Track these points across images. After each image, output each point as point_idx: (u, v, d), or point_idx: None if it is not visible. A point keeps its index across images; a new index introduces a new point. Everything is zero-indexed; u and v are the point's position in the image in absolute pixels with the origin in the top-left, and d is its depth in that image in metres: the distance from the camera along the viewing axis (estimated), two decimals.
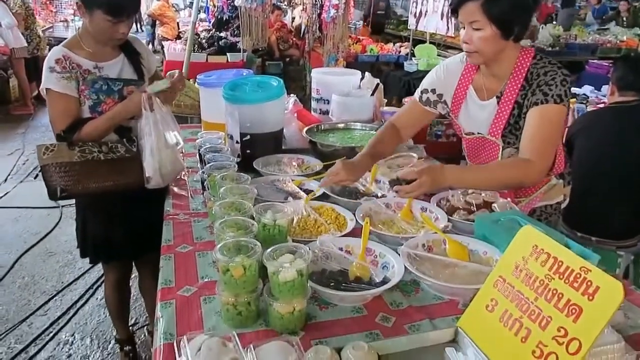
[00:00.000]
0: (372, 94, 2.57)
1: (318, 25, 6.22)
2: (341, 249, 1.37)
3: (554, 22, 8.70)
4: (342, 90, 2.57)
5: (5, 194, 4.49)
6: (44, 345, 2.63)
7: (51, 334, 2.72)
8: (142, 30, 12.57)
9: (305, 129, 2.29)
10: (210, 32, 7.03)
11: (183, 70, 4.94)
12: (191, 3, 8.80)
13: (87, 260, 2.20)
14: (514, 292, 1.00)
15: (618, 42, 7.30)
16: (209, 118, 2.44)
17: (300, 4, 8.16)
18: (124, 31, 1.87)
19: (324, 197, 1.74)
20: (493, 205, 1.61)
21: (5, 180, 4.81)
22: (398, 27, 9.49)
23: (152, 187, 1.90)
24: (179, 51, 6.28)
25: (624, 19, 9.06)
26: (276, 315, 1.11)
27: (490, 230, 1.41)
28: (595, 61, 6.18)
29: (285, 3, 9.36)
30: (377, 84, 2.64)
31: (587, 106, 3.94)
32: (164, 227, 1.65)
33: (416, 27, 6.28)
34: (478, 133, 1.80)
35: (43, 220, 3.99)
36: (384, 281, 1.25)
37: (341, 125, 2.41)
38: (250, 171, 1.87)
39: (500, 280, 1.03)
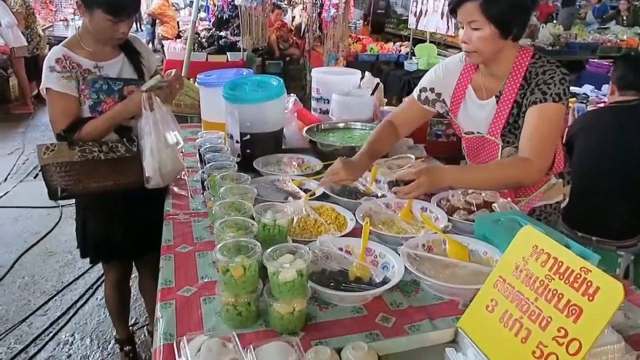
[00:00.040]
0: (372, 94, 2.57)
1: (318, 25, 6.21)
2: (341, 249, 1.37)
3: (555, 22, 8.69)
4: (342, 89, 2.57)
5: (5, 193, 4.49)
6: (44, 346, 2.63)
7: (51, 334, 2.72)
8: (142, 30, 12.57)
9: (305, 128, 2.29)
10: (210, 31, 7.03)
11: (183, 70, 4.94)
12: (191, 2, 8.80)
13: (87, 260, 2.20)
14: (514, 292, 1.00)
15: (618, 41, 7.30)
16: (209, 118, 2.44)
17: (300, 3, 8.15)
18: (124, 30, 1.87)
19: (324, 197, 1.73)
20: (493, 205, 1.61)
21: (5, 179, 4.81)
22: (398, 26, 9.48)
23: (152, 186, 1.90)
24: (179, 50, 6.27)
25: (624, 18, 9.06)
26: (276, 315, 1.11)
27: (490, 230, 1.41)
28: (595, 60, 6.17)
29: (286, 2, 9.34)
30: (377, 84, 2.64)
31: (587, 105, 3.93)
32: (164, 227, 1.65)
33: (416, 27, 6.27)
34: (477, 132, 1.80)
35: (43, 220, 3.99)
36: (384, 281, 1.25)
37: (341, 125, 2.41)
38: (250, 171, 1.87)
39: (501, 280, 1.03)
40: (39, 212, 4.11)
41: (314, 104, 2.75)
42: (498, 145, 1.75)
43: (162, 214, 1.76)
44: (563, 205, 1.95)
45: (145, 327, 2.75)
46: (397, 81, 5.92)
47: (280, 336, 1.05)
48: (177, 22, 9.69)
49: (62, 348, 2.62)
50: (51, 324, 2.79)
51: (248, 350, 0.93)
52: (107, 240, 2.08)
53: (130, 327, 2.59)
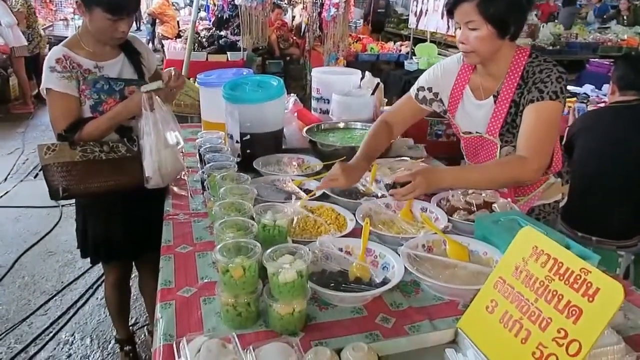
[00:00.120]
0: (373, 94, 2.57)
1: (318, 24, 6.22)
2: (341, 250, 1.37)
3: (556, 21, 8.68)
4: (343, 89, 2.57)
5: (5, 193, 4.49)
6: (44, 345, 2.63)
7: (51, 334, 2.72)
8: (141, 29, 12.56)
9: (306, 128, 2.29)
10: (211, 31, 7.03)
11: (183, 69, 4.94)
12: (191, 1, 8.79)
13: (87, 260, 2.20)
14: (514, 293, 0.99)
15: (619, 40, 7.29)
16: (209, 118, 2.44)
17: (300, 3, 8.16)
18: (124, 30, 1.87)
19: (323, 197, 1.73)
20: (493, 205, 1.61)
21: (5, 179, 4.82)
22: (398, 26, 9.48)
23: (151, 187, 1.90)
24: (179, 50, 6.27)
25: (625, 17, 9.05)
26: (276, 316, 1.11)
27: (490, 231, 1.41)
28: (596, 60, 6.17)
29: (286, 1, 9.34)
30: (378, 84, 2.64)
31: (587, 105, 3.93)
32: (163, 228, 1.64)
33: (417, 26, 6.27)
34: (476, 132, 1.80)
35: (43, 220, 3.99)
36: (384, 282, 1.25)
37: (341, 125, 2.41)
38: (250, 171, 1.87)
39: (500, 281, 1.03)
40: (39, 212, 4.11)
41: (314, 103, 2.75)
42: (496, 145, 1.75)
43: (162, 213, 1.76)
44: (562, 204, 1.95)
45: (145, 327, 2.75)
46: (397, 81, 5.91)
47: (280, 337, 1.05)
48: (177, 22, 9.69)
49: (62, 348, 2.63)
50: (51, 324, 2.79)
51: (248, 351, 0.93)
52: (107, 240, 2.08)
53: (131, 327, 2.59)
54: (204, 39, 6.64)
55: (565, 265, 0.93)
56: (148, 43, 9.73)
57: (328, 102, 2.63)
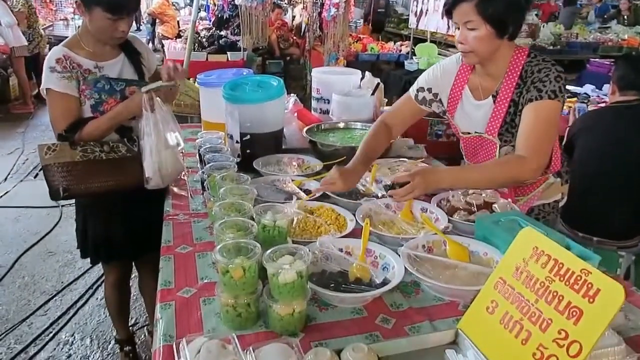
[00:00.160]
0: (373, 94, 2.57)
1: (318, 24, 6.22)
2: (341, 250, 1.37)
3: (556, 21, 8.68)
4: (343, 89, 2.57)
5: (5, 193, 4.49)
6: (44, 346, 2.63)
7: (51, 334, 2.72)
8: (141, 29, 12.56)
9: (306, 128, 2.29)
10: (211, 31, 7.02)
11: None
12: (191, 1, 8.79)
13: (87, 260, 2.19)
14: (514, 294, 0.99)
15: (619, 40, 7.28)
16: (209, 118, 2.44)
17: (300, 3, 8.16)
18: (124, 29, 1.86)
19: (324, 198, 1.73)
20: (494, 205, 1.61)
21: (5, 179, 4.82)
22: (399, 26, 9.48)
23: (151, 187, 1.90)
24: (179, 50, 6.27)
25: (625, 17, 9.04)
26: (276, 316, 1.10)
27: (490, 231, 1.41)
28: (596, 60, 6.16)
29: (286, 1, 9.34)
30: (378, 84, 2.63)
31: (588, 105, 3.93)
32: (163, 228, 1.64)
33: (417, 26, 6.27)
34: (475, 132, 1.80)
35: (43, 220, 3.99)
36: (384, 282, 1.25)
37: (341, 125, 2.41)
38: (250, 171, 1.86)
39: (501, 281, 1.03)
40: (39, 212, 4.11)
41: (314, 104, 2.75)
42: (496, 145, 1.75)
43: (162, 214, 1.76)
44: (561, 204, 1.95)
45: (145, 327, 2.75)
46: (397, 81, 5.91)
47: (280, 337, 1.05)
48: (177, 22, 9.69)
49: (62, 348, 2.62)
50: (51, 324, 2.79)
51: (248, 352, 0.93)
52: (107, 240, 2.08)
53: (130, 327, 2.58)
54: (204, 39, 6.63)
55: (566, 266, 0.93)
56: (148, 43, 9.73)
57: (328, 102, 2.63)
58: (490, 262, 1.34)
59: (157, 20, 9.76)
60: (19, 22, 6.77)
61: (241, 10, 5.62)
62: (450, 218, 1.58)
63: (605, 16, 9.64)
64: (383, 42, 7.68)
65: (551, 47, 6.62)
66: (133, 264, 2.37)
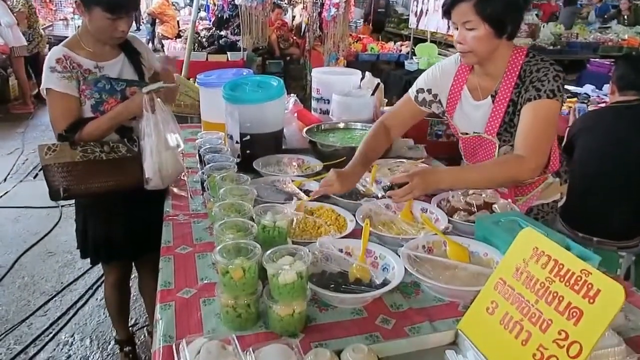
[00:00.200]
0: (373, 94, 2.57)
1: (318, 24, 6.22)
2: (341, 251, 1.37)
3: (557, 21, 8.68)
4: (343, 89, 2.57)
5: (5, 193, 4.49)
6: (44, 346, 2.63)
7: (51, 335, 2.71)
8: (141, 29, 12.55)
9: (306, 129, 2.29)
10: (211, 31, 7.03)
11: (183, 69, 4.95)
12: (191, 1, 8.79)
13: (87, 260, 2.19)
14: (514, 294, 0.99)
15: (619, 40, 7.29)
16: (209, 118, 2.44)
17: (300, 3, 8.15)
18: (123, 29, 1.86)
19: (324, 198, 1.73)
20: (494, 206, 1.61)
21: (5, 179, 4.81)
22: (399, 26, 9.48)
23: (151, 188, 1.90)
24: (179, 50, 6.28)
25: (625, 17, 9.04)
26: (276, 317, 1.10)
27: (490, 232, 1.41)
28: (596, 60, 6.16)
29: (286, 1, 9.34)
30: (378, 84, 2.63)
31: (588, 106, 3.93)
32: (163, 228, 1.64)
33: (417, 26, 6.27)
34: (474, 133, 1.80)
35: (43, 220, 3.99)
36: (384, 283, 1.25)
37: (341, 125, 2.41)
38: (250, 172, 1.86)
39: (501, 282, 1.03)
40: (39, 212, 4.11)
41: (314, 104, 2.75)
42: (495, 144, 1.75)
43: (162, 214, 1.76)
44: (560, 204, 1.95)
45: (145, 328, 2.75)
46: (397, 81, 5.91)
47: (280, 338, 1.05)
48: (177, 22, 9.69)
49: (62, 349, 2.62)
50: (51, 325, 2.79)
51: (247, 353, 0.93)
52: (107, 241, 2.08)
53: (130, 328, 2.58)
54: (204, 39, 6.64)
55: (566, 266, 0.93)
56: (148, 43, 9.72)
57: (328, 103, 2.63)
58: (491, 262, 1.34)
59: (157, 20, 9.75)
60: (19, 22, 6.77)
61: (241, 10, 5.62)
62: (450, 218, 1.58)
63: (606, 16, 9.64)
64: (383, 42, 7.68)
65: (551, 47, 6.62)
66: (133, 264, 2.37)
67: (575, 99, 4.14)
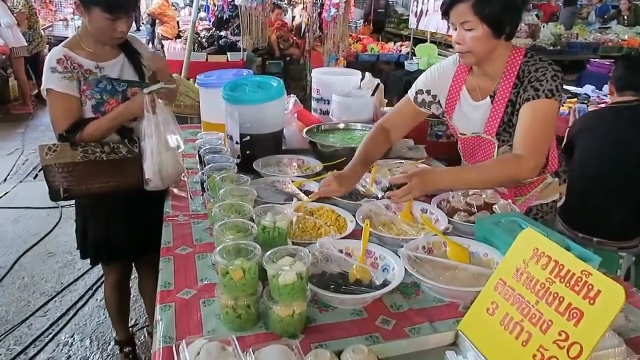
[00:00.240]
0: (373, 94, 2.57)
1: (318, 24, 6.22)
2: (341, 251, 1.37)
3: (557, 21, 8.69)
4: (343, 90, 2.57)
5: (5, 194, 4.49)
6: (44, 347, 2.63)
7: (50, 335, 2.71)
8: (140, 30, 12.55)
9: (306, 129, 2.29)
10: (211, 31, 7.03)
11: (183, 70, 4.94)
12: (191, 2, 8.79)
13: (87, 261, 2.19)
14: (514, 295, 0.99)
15: (619, 41, 7.29)
16: (209, 118, 2.44)
17: (300, 3, 8.15)
18: (123, 29, 1.86)
19: (324, 198, 1.73)
20: (494, 206, 1.61)
21: (5, 180, 4.81)
22: (399, 26, 9.49)
23: (151, 189, 1.90)
24: (179, 50, 6.27)
25: (625, 17, 9.05)
26: (276, 318, 1.10)
27: (491, 232, 1.41)
28: (596, 60, 6.16)
29: (286, 2, 9.35)
30: (378, 84, 2.63)
31: (588, 106, 3.92)
32: (163, 229, 1.64)
33: (417, 26, 6.27)
34: (472, 133, 1.80)
35: (43, 221, 3.99)
36: (384, 284, 1.25)
37: (341, 126, 2.41)
38: (250, 172, 1.86)
39: (501, 283, 1.03)
40: (39, 213, 4.11)
41: (314, 104, 2.75)
42: (494, 145, 1.75)
43: (162, 215, 1.76)
44: (559, 204, 1.95)
45: (145, 329, 2.75)
46: (397, 81, 5.91)
47: (280, 339, 1.05)
48: (177, 22, 9.68)
49: (62, 349, 2.62)
50: (51, 325, 2.79)
51: (247, 353, 0.93)
52: (107, 241, 2.08)
53: (130, 328, 2.58)
54: (203, 40, 6.64)
55: (566, 267, 0.93)
56: (148, 43, 9.71)
57: (328, 103, 2.63)
58: (491, 263, 1.34)
59: (157, 21, 9.74)
60: (19, 23, 6.77)
61: (241, 11, 5.63)
62: (451, 219, 1.58)
63: (606, 16, 9.65)
64: (383, 43, 7.68)
65: (551, 48, 6.63)
66: (133, 265, 2.37)
67: (575, 99, 4.14)
